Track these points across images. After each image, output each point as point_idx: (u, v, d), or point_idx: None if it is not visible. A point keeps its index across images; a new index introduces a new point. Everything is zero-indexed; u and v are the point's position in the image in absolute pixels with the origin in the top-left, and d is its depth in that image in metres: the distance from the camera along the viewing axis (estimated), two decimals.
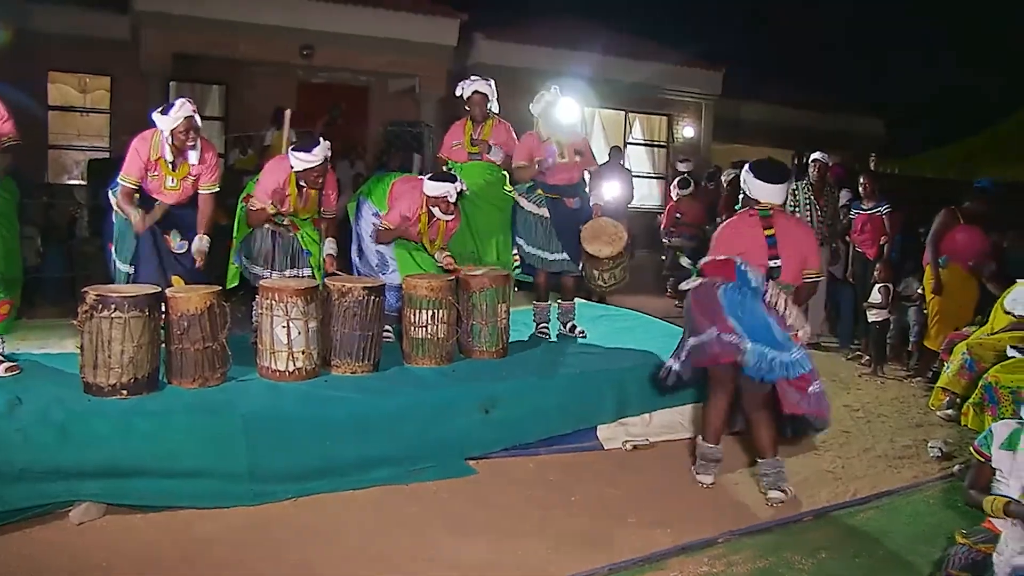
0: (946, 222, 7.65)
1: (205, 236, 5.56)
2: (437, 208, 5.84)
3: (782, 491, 4.80)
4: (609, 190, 12.65)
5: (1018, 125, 14.92)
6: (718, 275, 4.70)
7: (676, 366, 4.77)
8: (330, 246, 5.89)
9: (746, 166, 5.01)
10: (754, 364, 4.52)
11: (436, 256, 6.10)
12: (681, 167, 13.77)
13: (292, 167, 5.59)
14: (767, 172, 4.87)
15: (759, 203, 4.84)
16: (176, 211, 5.60)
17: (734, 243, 4.80)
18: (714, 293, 4.65)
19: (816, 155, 8.67)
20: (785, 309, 4.62)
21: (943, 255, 7.66)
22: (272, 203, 5.62)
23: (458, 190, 5.84)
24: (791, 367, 4.50)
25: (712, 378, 4.94)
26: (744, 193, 4.99)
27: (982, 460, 3.73)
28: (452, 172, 6.10)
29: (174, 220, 5.61)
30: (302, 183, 5.66)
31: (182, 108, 5.29)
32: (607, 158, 13.33)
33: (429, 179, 5.88)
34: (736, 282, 4.63)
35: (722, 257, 4.73)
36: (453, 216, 5.99)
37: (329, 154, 5.67)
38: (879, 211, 8.61)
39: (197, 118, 5.39)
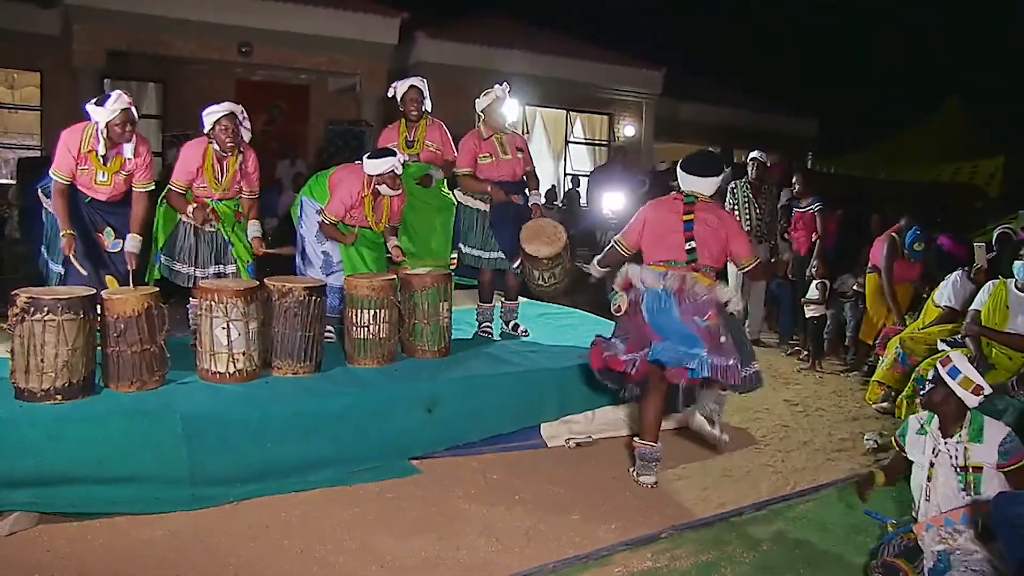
0: (891, 252, 7.74)
1: (137, 236, 5.47)
2: (384, 185, 5.81)
3: (709, 422, 4.99)
4: (612, 200, 10.92)
5: (939, 127, 15.46)
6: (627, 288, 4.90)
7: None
8: (254, 228, 5.86)
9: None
10: (664, 358, 4.68)
11: (387, 245, 6.06)
12: (660, 167, 13.81)
13: (204, 129, 5.54)
14: (694, 165, 5.01)
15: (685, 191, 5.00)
16: (109, 208, 5.50)
17: (651, 220, 4.96)
18: (638, 303, 4.83)
19: (754, 154, 8.80)
20: (708, 291, 4.74)
21: (873, 265, 7.89)
22: (189, 185, 5.64)
23: (401, 161, 5.83)
24: (695, 367, 4.61)
25: (645, 381, 5.00)
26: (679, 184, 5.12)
27: (900, 450, 3.93)
28: (389, 147, 6.05)
29: (107, 218, 5.50)
30: (217, 147, 5.60)
31: (119, 100, 5.19)
32: (606, 159, 12.05)
33: (368, 158, 5.82)
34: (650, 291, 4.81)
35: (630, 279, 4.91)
36: (399, 192, 5.96)
37: (242, 118, 5.64)
38: (811, 208, 8.77)
39: (134, 110, 5.30)
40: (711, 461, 5.42)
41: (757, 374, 4.93)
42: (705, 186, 4.98)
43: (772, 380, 7.43)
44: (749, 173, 8.75)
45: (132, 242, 5.45)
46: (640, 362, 4.78)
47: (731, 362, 4.67)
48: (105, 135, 5.24)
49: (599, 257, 5.30)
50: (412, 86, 6.48)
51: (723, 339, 4.70)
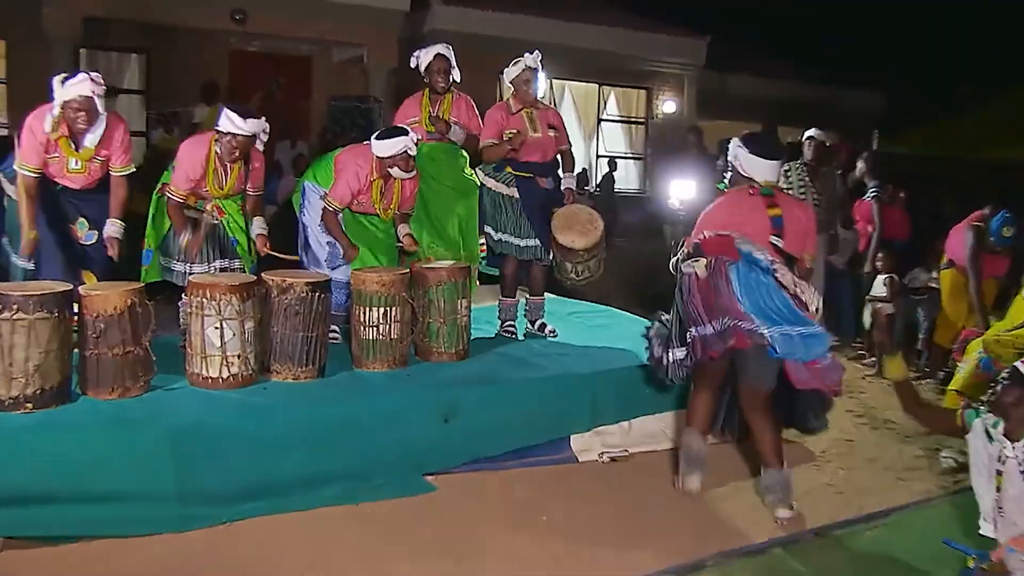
0: (977, 244, 7.62)
1: (118, 221, 5.47)
2: (396, 168, 5.80)
3: (791, 507, 4.82)
4: (681, 190, 10.50)
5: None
6: (718, 253, 4.70)
7: (677, 356, 4.80)
8: (259, 225, 5.84)
9: (735, 140, 5.03)
10: (784, 349, 4.51)
11: (398, 232, 6.06)
12: None
13: (221, 128, 5.48)
14: (763, 146, 4.89)
15: (753, 181, 4.85)
16: (83, 197, 5.49)
17: (729, 222, 4.79)
18: (723, 273, 4.66)
19: (812, 132, 8.65)
20: (795, 286, 4.65)
21: (949, 259, 7.77)
22: (191, 192, 5.58)
23: (415, 140, 5.81)
24: (815, 343, 4.51)
25: (698, 370, 4.93)
26: (734, 170, 4.99)
27: (962, 428, 3.88)
28: (401, 126, 6.04)
29: (81, 208, 5.50)
30: (219, 154, 5.56)
31: (81, 84, 5.12)
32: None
33: (377, 139, 5.80)
34: (743, 261, 4.65)
35: (721, 232, 4.71)
36: (412, 174, 5.95)
37: (262, 134, 5.63)
38: (869, 195, 8.66)
39: (97, 101, 5.22)
40: None
41: None
42: (776, 171, 4.89)
43: None
44: (805, 154, 8.63)
45: (113, 227, 5.45)
46: (733, 332, 4.56)
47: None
48: (57, 116, 5.19)
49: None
50: (438, 55, 6.44)
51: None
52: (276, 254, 5.86)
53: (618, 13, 19.02)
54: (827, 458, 5.90)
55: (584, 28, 17.83)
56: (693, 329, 4.72)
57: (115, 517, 4.24)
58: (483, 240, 6.48)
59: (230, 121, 5.45)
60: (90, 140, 5.33)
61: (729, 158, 5.04)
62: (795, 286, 4.67)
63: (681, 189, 10.36)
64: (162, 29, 14.44)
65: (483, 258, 6.49)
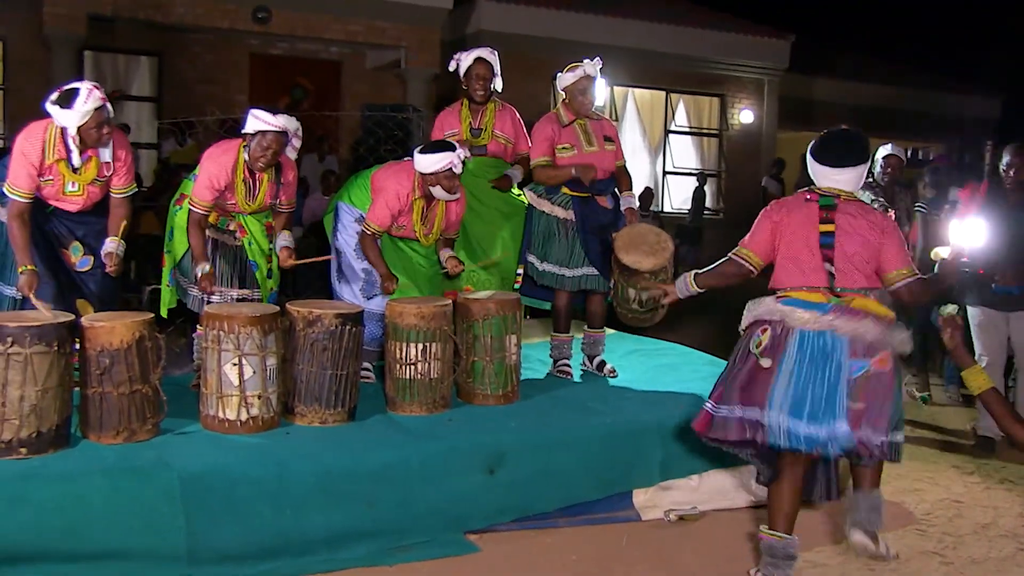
0: None
1: (117, 238, 5.53)
2: (439, 187, 5.82)
3: (871, 536, 4.64)
4: (969, 234, 9.37)
5: None
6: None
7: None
8: (285, 238, 5.92)
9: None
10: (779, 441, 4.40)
11: (440, 257, 6.12)
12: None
13: (248, 131, 5.51)
14: (830, 153, 4.67)
15: (814, 187, 4.68)
16: (77, 219, 5.56)
17: (780, 229, 4.64)
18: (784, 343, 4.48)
19: (886, 148, 8.35)
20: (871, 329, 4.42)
21: None
22: (216, 203, 5.60)
23: (462, 158, 5.81)
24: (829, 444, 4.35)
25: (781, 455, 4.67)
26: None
27: None
28: (447, 140, 6.10)
29: (75, 231, 5.57)
30: (248, 161, 5.61)
31: (90, 98, 5.14)
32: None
33: (421, 153, 5.83)
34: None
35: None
36: (458, 196, 5.98)
37: (295, 138, 5.69)
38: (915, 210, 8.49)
39: (109, 107, 5.29)
40: None
41: (897, 446, 4.70)
42: (847, 180, 4.64)
43: (936, 439, 7.25)
44: (876, 174, 8.30)
45: (112, 243, 5.50)
46: (750, 428, 4.47)
47: (882, 438, 4.44)
48: (78, 142, 5.25)
49: (702, 272, 4.89)
50: (479, 59, 6.54)
51: (887, 398, 4.48)
52: (305, 261, 5.92)
53: (689, 9, 19.02)
54: (931, 522, 5.79)
55: (649, 27, 17.87)
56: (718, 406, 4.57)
57: None
58: (520, 270, 6.50)
59: (257, 119, 5.49)
60: (105, 155, 5.40)
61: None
62: (879, 328, 4.43)
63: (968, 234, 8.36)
64: (175, 30, 14.62)
65: (517, 288, 6.48)
